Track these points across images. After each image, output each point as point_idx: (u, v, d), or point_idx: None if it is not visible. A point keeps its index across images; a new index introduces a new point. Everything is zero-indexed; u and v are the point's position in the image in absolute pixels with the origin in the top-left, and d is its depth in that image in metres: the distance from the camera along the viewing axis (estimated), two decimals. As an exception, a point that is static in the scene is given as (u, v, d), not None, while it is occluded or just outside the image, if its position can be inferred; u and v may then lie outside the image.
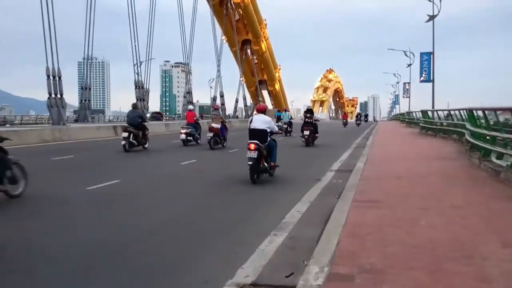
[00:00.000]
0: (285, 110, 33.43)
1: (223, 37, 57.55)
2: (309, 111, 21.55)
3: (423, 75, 35.40)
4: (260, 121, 10.14)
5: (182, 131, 19.25)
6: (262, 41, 64.55)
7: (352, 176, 9.92)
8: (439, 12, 32.79)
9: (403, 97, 76.11)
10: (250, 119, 10.70)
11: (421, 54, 36.19)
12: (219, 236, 5.93)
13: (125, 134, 16.16)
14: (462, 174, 9.93)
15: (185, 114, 22.85)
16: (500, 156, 9.88)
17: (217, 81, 51.88)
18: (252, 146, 9.61)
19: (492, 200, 7.05)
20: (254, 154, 9.57)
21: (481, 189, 8.08)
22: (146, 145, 17.11)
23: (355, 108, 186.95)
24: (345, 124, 49.21)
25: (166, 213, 7.22)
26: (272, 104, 73.86)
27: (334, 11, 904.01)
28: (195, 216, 7.08)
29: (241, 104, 60.06)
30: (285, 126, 27.65)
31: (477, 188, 8.18)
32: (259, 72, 68.43)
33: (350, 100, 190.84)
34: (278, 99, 74.16)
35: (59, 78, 23.25)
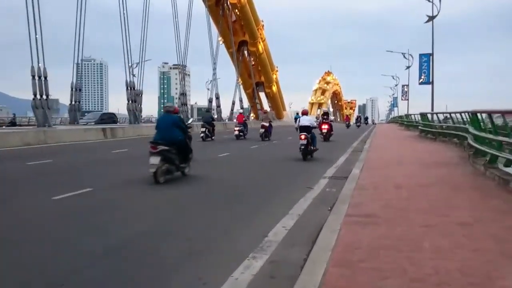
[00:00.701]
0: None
1: (220, 38, 56.71)
2: (326, 114, 28.09)
3: (422, 77, 34.56)
4: (306, 120, 15.40)
5: (236, 128, 26.29)
6: (259, 42, 63.58)
7: (347, 185, 9.09)
8: (438, 12, 31.98)
9: (402, 99, 75.49)
10: (298, 119, 15.92)
11: (420, 55, 35.37)
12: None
13: (203, 129, 23.41)
14: (467, 183, 9.08)
15: (237, 116, 32.01)
16: (508, 163, 9.06)
17: (213, 82, 50.97)
18: (303, 137, 14.83)
19: (505, 216, 6.20)
20: (304, 142, 14.78)
21: (490, 201, 7.23)
22: (213, 138, 24.04)
23: (354, 110, 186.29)
24: (348, 125, 54.49)
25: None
26: (269, 107, 72.93)
27: (332, 13, 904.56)
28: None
29: (238, 107, 59.12)
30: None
31: (485, 200, 7.33)
32: (256, 73, 67.47)
33: (349, 102, 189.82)
34: (276, 101, 73.24)
35: (45, 78, 22.34)
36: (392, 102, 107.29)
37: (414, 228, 5.57)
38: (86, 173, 11.65)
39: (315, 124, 16.61)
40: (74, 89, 30.28)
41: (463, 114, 17.45)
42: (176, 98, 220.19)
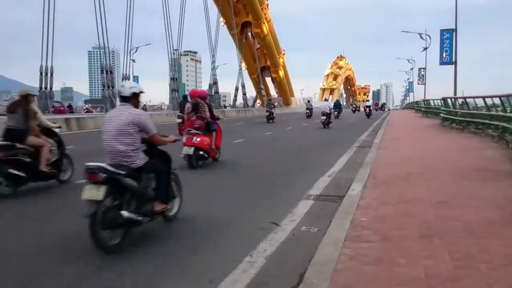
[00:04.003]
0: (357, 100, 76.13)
1: (221, 19, 52.51)
2: (367, 101, 43.97)
3: (444, 55, 29.99)
4: (369, 103, 43.83)
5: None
6: (264, 23, 58.93)
7: (336, 223, 5.16)
8: (462, -19, 27.57)
9: (418, 83, 70.36)
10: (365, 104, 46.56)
11: (442, 31, 30.72)
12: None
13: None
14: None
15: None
16: None
17: (212, 67, 46.90)
18: (368, 109, 40.81)
19: None
20: (368, 111, 40.10)
21: None
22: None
23: (367, 96, 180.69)
24: (377, 109, 66.43)
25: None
26: (276, 93, 68.77)
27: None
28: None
29: (241, 93, 54.82)
30: (354, 107, 59.18)
31: None
32: (261, 57, 63.06)
33: (362, 88, 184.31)
34: (283, 86, 68.78)
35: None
36: (408, 87, 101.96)
37: None
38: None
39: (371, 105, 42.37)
40: (44, 74, 26.53)
41: (504, 98, 13.41)
42: (187, 85, 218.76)
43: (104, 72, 27.12)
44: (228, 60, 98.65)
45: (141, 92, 5.22)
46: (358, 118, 38.56)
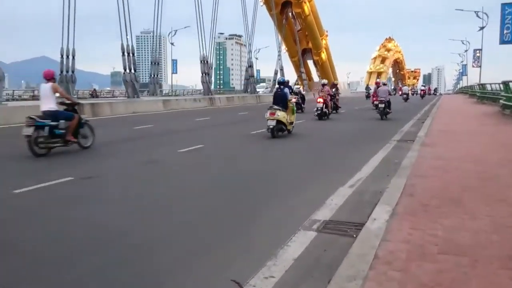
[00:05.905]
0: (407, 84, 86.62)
1: (260, -1, 49.99)
2: (423, 86, 65.63)
3: (505, 33, 26.29)
4: (422, 87, 61.84)
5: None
6: (305, 2, 55.77)
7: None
8: None
9: (473, 66, 65.63)
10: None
11: (503, 6, 26.94)
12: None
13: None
14: None
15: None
16: None
17: (249, 50, 44.66)
18: (422, 92, 57.21)
19: None
20: (422, 93, 56.57)
21: None
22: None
23: (417, 80, 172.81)
24: (429, 94, 70.69)
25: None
26: (318, 76, 65.69)
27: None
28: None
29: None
30: (413, 91, 77.57)
31: None
32: (302, 39, 60.03)
33: (412, 71, 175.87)
34: (325, 70, 65.47)
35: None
36: (461, 70, 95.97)
37: None
38: None
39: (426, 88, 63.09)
40: (65, 56, 25.20)
41: None
42: (232, 70, 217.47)
43: (127, 54, 25.26)
44: (270, 43, 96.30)
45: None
46: (415, 99, 51.11)
